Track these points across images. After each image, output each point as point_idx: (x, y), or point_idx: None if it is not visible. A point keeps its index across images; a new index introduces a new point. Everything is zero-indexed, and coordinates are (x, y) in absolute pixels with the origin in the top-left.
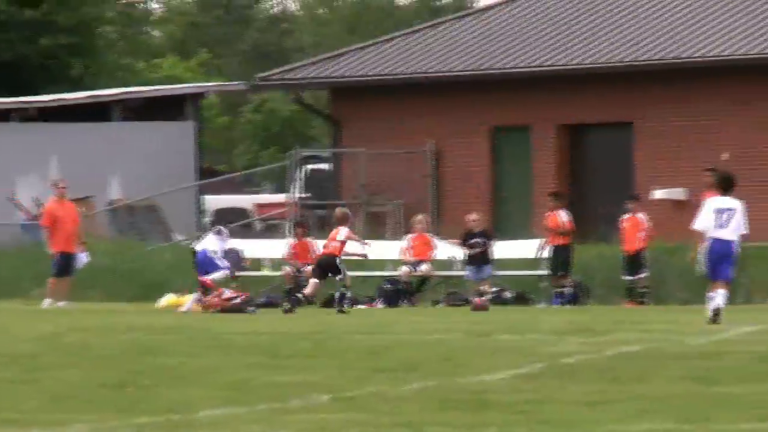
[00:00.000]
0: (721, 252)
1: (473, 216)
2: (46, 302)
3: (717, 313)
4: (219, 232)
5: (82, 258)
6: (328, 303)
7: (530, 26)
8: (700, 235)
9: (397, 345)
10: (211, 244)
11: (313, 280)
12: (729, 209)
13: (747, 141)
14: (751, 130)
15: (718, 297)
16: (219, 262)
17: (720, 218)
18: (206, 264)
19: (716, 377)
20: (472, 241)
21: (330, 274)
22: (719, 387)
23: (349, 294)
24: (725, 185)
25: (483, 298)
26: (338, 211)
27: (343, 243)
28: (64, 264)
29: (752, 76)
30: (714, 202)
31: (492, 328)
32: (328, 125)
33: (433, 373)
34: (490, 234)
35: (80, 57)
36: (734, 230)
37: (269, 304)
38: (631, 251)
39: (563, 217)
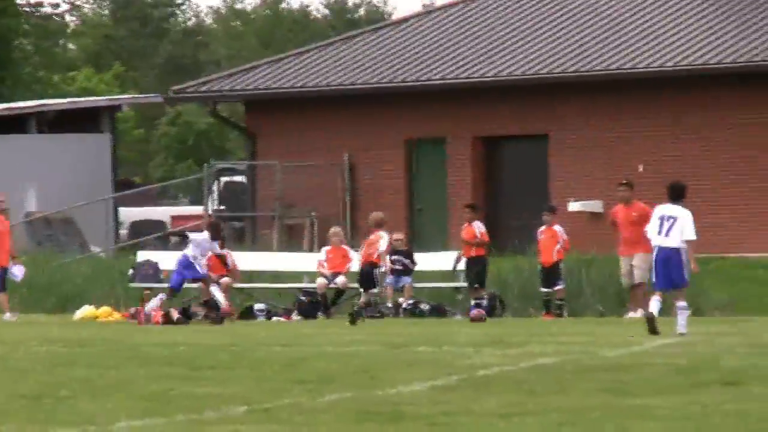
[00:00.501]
0: (664, 259)
1: (397, 235)
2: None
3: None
4: (213, 237)
5: (20, 270)
6: (245, 315)
7: (446, 38)
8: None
9: (313, 357)
10: (193, 249)
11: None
12: (671, 217)
13: (662, 153)
14: (665, 142)
15: (681, 317)
16: (199, 269)
17: (662, 225)
18: (187, 267)
19: (633, 389)
20: (394, 258)
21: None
22: (636, 399)
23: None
24: (673, 194)
25: (478, 310)
26: (375, 215)
27: (386, 253)
28: (3, 277)
29: (666, 89)
30: (660, 210)
31: (409, 340)
32: (243, 138)
33: (349, 385)
34: (411, 254)
35: None
36: (676, 237)
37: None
38: (547, 263)
39: (479, 228)
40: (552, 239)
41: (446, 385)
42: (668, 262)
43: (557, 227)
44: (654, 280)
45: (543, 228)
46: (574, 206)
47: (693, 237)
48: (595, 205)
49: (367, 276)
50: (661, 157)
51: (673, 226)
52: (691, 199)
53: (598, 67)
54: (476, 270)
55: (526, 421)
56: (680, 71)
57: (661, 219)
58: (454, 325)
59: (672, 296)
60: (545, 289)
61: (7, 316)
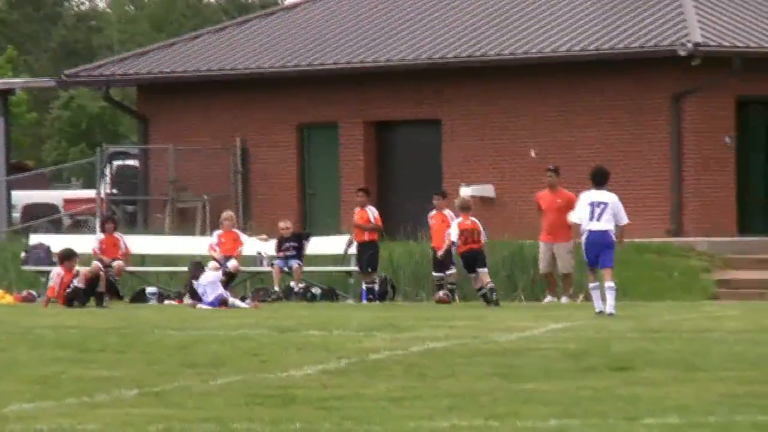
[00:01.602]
0: (598, 242)
1: (282, 224)
2: None
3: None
4: None
5: None
6: (137, 298)
7: (337, 24)
8: (576, 228)
9: (205, 340)
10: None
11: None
12: (602, 203)
13: (553, 138)
14: (556, 127)
15: (610, 296)
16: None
17: (594, 211)
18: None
19: (523, 374)
20: (286, 245)
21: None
22: (526, 384)
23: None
24: (598, 179)
25: (444, 291)
26: (464, 198)
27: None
28: None
29: (558, 74)
30: (588, 195)
31: (299, 324)
32: (136, 122)
33: (240, 369)
34: (301, 235)
35: None
36: (608, 221)
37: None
38: (439, 248)
39: (372, 213)
40: (443, 223)
41: (337, 369)
42: (602, 245)
43: (447, 211)
44: (586, 260)
45: (433, 213)
46: (465, 191)
47: (627, 221)
48: (486, 190)
49: (474, 261)
50: (552, 142)
51: (604, 211)
52: (582, 184)
53: (490, 53)
54: (369, 254)
55: (417, 405)
56: (572, 56)
57: (592, 205)
58: (345, 309)
59: (598, 277)
60: (437, 274)
61: None
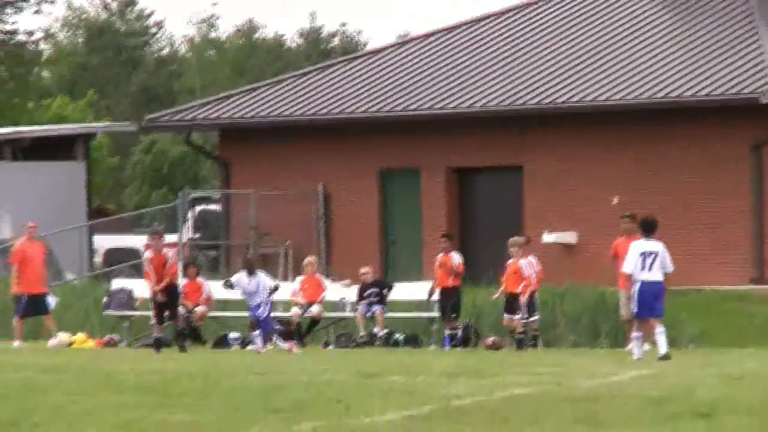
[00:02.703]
0: (651, 291)
1: (364, 270)
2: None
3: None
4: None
5: (54, 300)
6: (219, 343)
7: (420, 69)
8: (627, 278)
9: (287, 385)
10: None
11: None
12: (653, 252)
13: (636, 185)
14: (638, 174)
15: (661, 338)
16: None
17: (645, 261)
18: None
19: (606, 420)
20: (368, 291)
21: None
22: (609, 430)
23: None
24: (648, 229)
25: (495, 337)
26: (517, 238)
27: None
28: (32, 305)
29: (638, 121)
30: (639, 245)
31: (383, 370)
32: (217, 166)
33: (323, 414)
34: (383, 283)
35: None
36: (658, 271)
37: (159, 344)
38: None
39: (455, 258)
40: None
41: (420, 415)
42: (655, 295)
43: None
44: (635, 311)
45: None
46: (548, 238)
47: (672, 268)
48: (569, 237)
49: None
50: (635, 189)
51: (655, 261)
52: (666, 231)
53: (573, 99)
54: (452, 301)
55: None
56: (653, 103)
57: (643, 255)
58: (428, 355)
59: (647, 327)
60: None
61: (17, 344)
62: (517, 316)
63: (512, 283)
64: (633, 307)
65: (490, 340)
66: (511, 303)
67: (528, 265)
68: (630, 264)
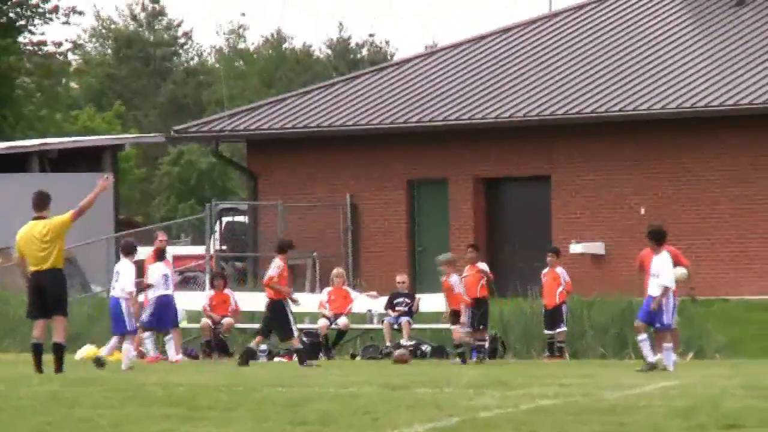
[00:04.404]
0: (646, 302)
1: (399, 278)
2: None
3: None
4: None
5: None
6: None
7: (448, 79)
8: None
9: (315, 398)
10: None
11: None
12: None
13: (664, 195)
14: (667, 185)
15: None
16: None
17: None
18: None
19: (632, 431)
20: (397, 301)
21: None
22: None
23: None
24: (657, 238)
25: (401, 351)
26: (445, 255)
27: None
28: None
29: (668, 130)
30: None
31: (410, 382)
32: (245, 178)
33: (350, 427)
34: (414, 296)
35: None
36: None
37: (187, 356)
38: (550, 305)
39: (485, 269)
40: (554, 281)
41: (447, 426)
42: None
43: (559, 269)
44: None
45: (546, 270)
46: (576, 248)
47: (667, 283)
48: (596, 247)
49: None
50: (663, 199)
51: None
52: (694, 240)
53: (600, 109)
54: (480, 312)
55: None
56: (683, 113)
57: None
58: (455, 367)
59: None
60: (548, 332)
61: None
62: (459, 327)
63: (453, 301)
64: (670, 317)
65: (397, 353)
66: (456, 316)
67: (468, 280)
68: (669, 277)
